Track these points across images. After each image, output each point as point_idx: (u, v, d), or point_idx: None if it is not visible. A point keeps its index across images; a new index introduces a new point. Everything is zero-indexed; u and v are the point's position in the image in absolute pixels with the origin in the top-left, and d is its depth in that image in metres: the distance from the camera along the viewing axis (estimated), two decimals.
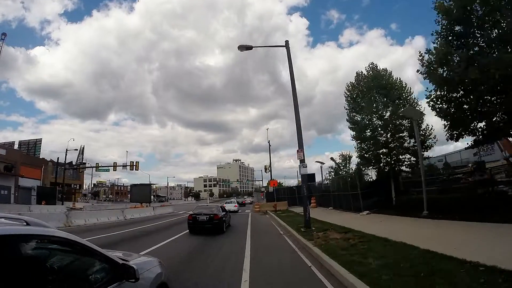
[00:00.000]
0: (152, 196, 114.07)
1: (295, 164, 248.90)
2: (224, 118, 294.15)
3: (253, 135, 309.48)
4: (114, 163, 43.41)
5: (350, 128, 21.57)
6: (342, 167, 30.95)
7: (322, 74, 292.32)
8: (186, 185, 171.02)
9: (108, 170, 47.42)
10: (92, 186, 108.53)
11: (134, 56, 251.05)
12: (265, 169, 46.61)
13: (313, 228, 12.92)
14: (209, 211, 14.81)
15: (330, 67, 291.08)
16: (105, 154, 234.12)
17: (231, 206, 30.03)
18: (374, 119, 19.73)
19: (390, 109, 19.06)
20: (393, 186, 19.60)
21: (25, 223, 2.14)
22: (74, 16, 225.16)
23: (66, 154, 49.11)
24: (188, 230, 14.62)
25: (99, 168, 47.68)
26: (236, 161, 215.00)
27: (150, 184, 38.42)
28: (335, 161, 31.63)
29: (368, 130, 20.11)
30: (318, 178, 39.29)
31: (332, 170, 32.09)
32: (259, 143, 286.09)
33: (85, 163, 68.27)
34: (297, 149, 13.64)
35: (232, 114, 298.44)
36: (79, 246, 2.37)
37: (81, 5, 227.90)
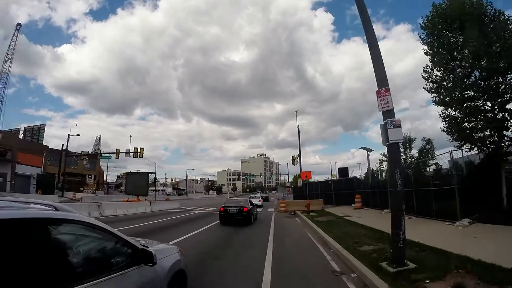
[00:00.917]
0: (171, 189, 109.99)
1: (320, 160, 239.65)
2: (249, 113, 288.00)
3: (279, 131, 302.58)
4: (117, 149, 37.50)
5: (427, 89, 13.89)
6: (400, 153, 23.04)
7: (348, 70, 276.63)
8: (209, 179, 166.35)
9: (110, 157, 41.74)
10: (116, 178, 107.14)
11: (159, 53, 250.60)
12: (293, 160, 38.99)
13: (414, 266, 5.64)
14: (238, 204, 16.01)
15: (356, 63, 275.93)
16: (131, 148, 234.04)
17: (255, 200, 27.67)
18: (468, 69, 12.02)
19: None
20: (504, 178, 11.93)
21: (54, 209, 2.35)
22: (99, 14, 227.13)
23: (68, 140, 43.77)
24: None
25: (102, 155, 42.05)
26: (260, 155, 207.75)
27: (147, 173, 31.71)
28: None
29: (460, 89, 12.45)
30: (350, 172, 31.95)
31: (385, 159, 24.12)
32: (284, 139, 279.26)
33: (101, 153, 64.38)
34: (377, 89, 6.31)
35: (257, 110, 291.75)
36: (102, 230, 2.56)
37: (106, 4, 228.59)
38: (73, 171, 53.35)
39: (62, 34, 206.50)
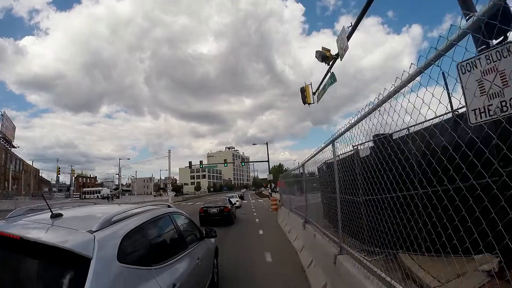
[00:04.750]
0: (109, 191, 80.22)
1: (290, 156, 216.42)
2: (218, 108, 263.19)
3: (248, 127, 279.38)
4: None
5: None
6: None
7: (317, 63, 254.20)
8: (172, 177, 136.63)
9: None
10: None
11: (126, 44, 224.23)
12: (305, 93, 12.98)
13: None
14: (218, 204, 15.51)
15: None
16: (98, 148, 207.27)
17: (233, 200, 22.48)
18: None
19: None
20: None
21: (168, 206, 4.18)
22: (63, 4, 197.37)
23: None
24: None
25: None
26: (229, 148, 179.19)
27: None
28: None
29: None
30: None
31: None
32: (254, 135, 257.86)
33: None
34: None
35: (226, 105, 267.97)
36: (188, 219, 4.65)
37: None
38: None
39: (24, 26, 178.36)
